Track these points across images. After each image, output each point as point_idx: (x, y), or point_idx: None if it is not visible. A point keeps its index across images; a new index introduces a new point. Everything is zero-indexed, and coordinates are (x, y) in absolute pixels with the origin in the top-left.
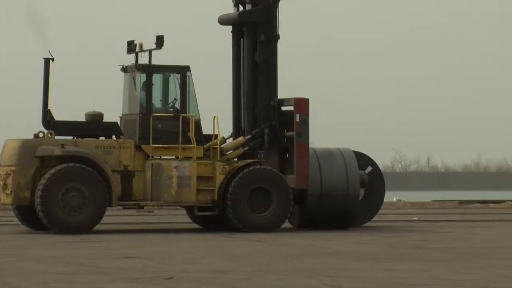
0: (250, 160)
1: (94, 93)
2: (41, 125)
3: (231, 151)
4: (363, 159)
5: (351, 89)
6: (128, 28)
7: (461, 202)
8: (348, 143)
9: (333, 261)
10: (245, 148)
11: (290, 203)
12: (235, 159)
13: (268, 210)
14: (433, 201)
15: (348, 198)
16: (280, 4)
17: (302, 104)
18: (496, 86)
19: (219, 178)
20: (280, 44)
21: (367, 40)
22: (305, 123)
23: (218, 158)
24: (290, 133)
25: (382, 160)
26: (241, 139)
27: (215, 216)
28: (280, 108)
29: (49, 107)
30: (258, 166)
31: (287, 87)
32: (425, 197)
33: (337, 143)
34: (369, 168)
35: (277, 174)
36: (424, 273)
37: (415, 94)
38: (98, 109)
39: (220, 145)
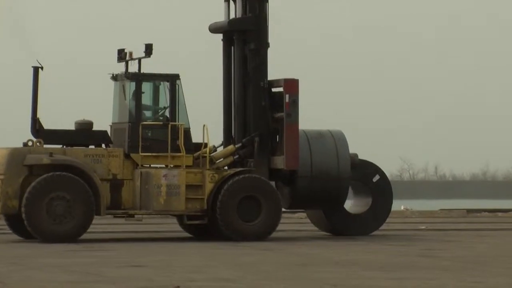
0: (239, 169)
1: (85, 102)
2: (30, 133)
3: (221, 159)
4: (370, 168)
5: (357, 98)
6: (119, 36)
7: (469, 211)
8: (356, 152)
9: (339, 270)
10: (235, 157)
11: (279, 211)
12: (226, 168)
13: (258, 218)
14: (440, 209)
15: (339, 180)
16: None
17: (291, 85)
18: (504, 95)
19: (208, 186)
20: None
21: (374, 46)
22: (295, 103)
23: (208, 167)
24: (279, 114)
25: (390, 169)
26: (231, 147)
27: (205, 224)
28: (271, 90)
29: (38, 115)
30: (248, 175)
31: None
32: (432, 205)
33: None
34: (377, 177)
35: (267, 182)
36: (431, 282)
37: (422, 103)
38: (89, 118)
39: (210, 153)
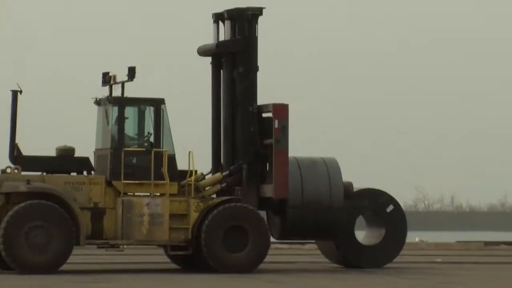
0: (225, 197)
1: (69, 127)
2: (8, 160)
3: (209, 187)
4: (384, 198)
5: (371, 128)
6: (105, 59)
7: (487, 243)
8: (370, 182)
9: None
10: (222, 185)
11: (267, 242)
12: (213, 196)
13: (245, 249)
14: (457, 241)
15: (331, 209)
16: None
17: (281, 110)
18: None
19: (193, 215)
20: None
21: (384, 74)
22: (284, 129)
23: (193, 195)
24: (269, 141)
25: (404, 199)
26: (218, 175)
27: (191, 255)
28: (260, 115)
29: (17, 141)
30: (234, 204)
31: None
32: (448, 237)
33: (358, 181)
34: (391, 207)
35: (254, 211)
36: None
37: (438, 132)
38: (72, 144)
39: (195, 181)
